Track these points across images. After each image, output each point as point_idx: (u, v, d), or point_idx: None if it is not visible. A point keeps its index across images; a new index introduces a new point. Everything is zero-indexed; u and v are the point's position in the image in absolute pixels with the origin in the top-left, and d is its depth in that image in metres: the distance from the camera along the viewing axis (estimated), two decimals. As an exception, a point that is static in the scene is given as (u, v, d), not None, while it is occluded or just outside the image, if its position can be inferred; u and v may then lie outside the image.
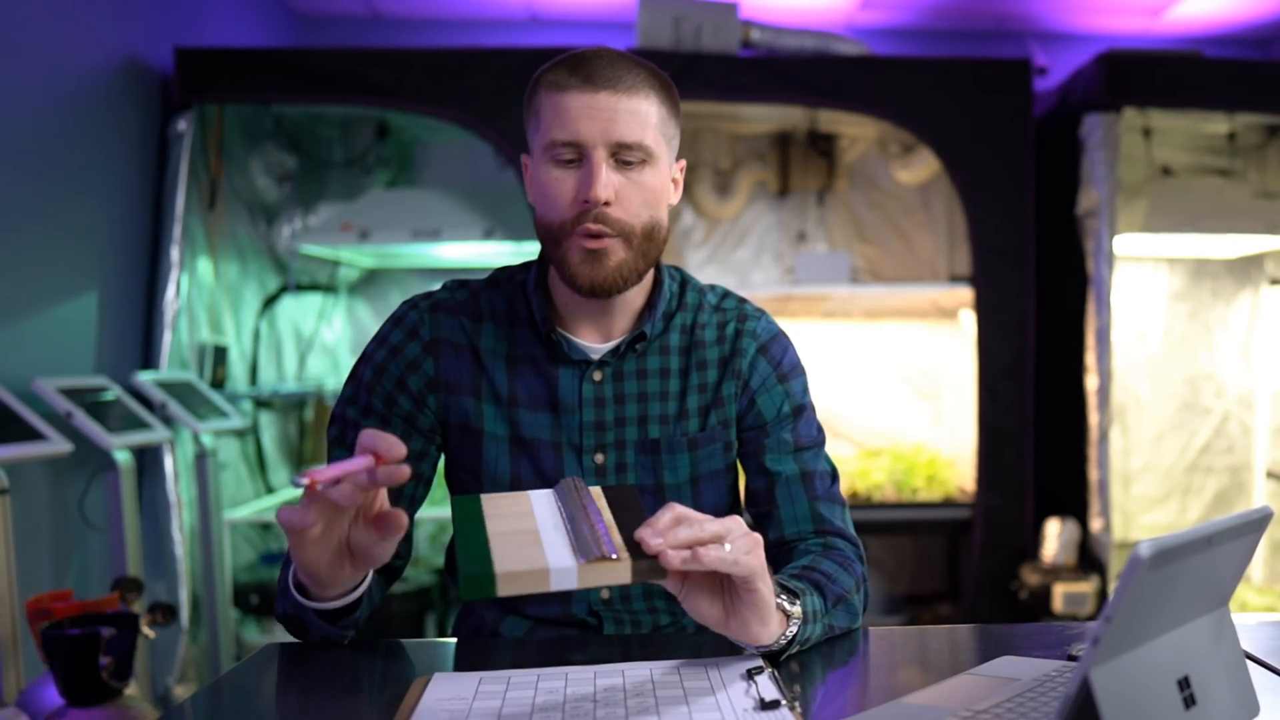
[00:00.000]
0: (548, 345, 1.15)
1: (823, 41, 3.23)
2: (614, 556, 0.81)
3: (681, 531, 0.83)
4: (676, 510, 0.85)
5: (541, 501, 0.90)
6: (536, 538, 0.84)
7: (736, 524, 0.87)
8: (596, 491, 0.92)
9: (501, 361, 1.15)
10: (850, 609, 1.06)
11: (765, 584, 0.89)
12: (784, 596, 0.95)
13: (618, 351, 1.15)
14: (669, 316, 1.19)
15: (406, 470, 0.83)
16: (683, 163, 1.19)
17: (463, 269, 3.62)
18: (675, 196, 1.17)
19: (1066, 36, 4.13)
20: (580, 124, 1.05)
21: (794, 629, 0.94)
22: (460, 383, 1.14)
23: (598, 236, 1.06)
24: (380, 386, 1.14)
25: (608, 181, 1.05)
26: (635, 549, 0.82)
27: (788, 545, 1.15)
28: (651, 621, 1.17)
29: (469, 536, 0.84)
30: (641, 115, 1.06)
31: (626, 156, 1.06)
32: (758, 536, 0.89)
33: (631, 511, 0.88)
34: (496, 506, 0.88)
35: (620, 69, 1.06)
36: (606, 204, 1.05)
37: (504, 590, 0.79)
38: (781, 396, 1.18)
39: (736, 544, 0.86)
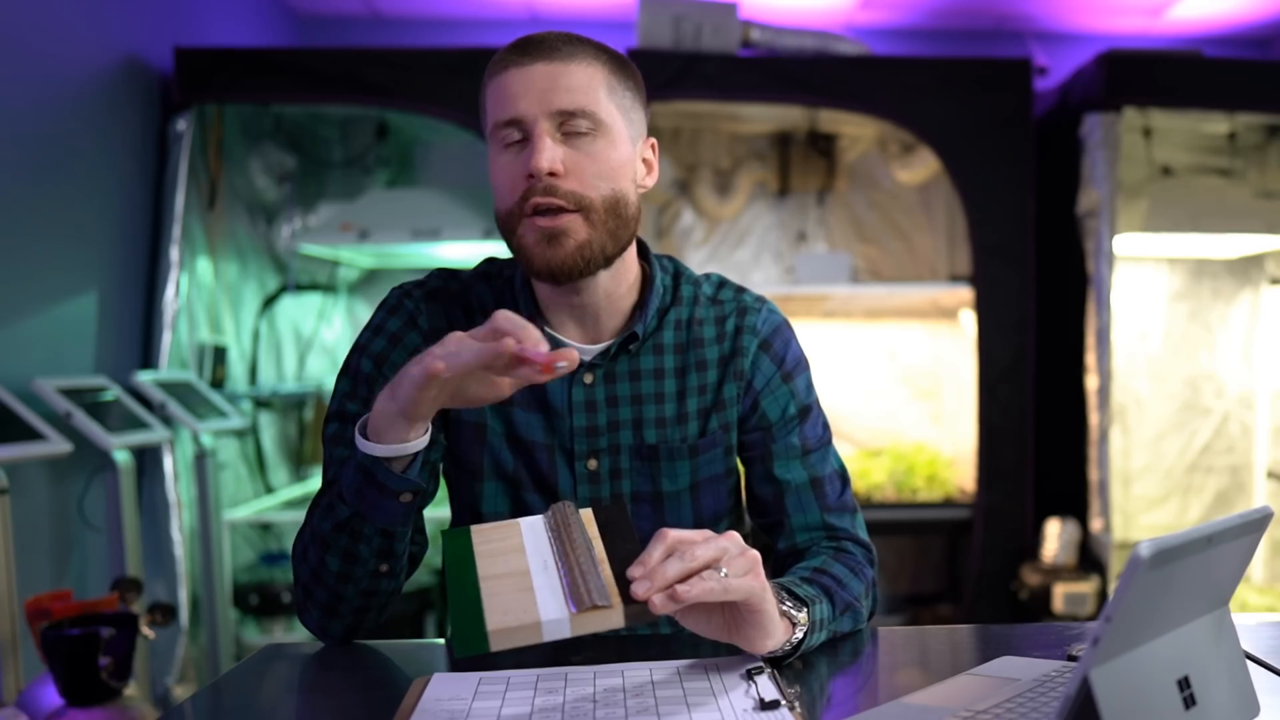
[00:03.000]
0: None
1: (823, 41, 3.23)
2: (605, 605, 0.80)
3: (670, 568, 0.81)
4: (668, 540, 0.82)
5: (531, 534, 0.89)
6: (528, 581, 0.83)
7: (733, 542, 0.85)
8: (587, 516, 0.90)
9: None
10: (856, 615, 1.05)
11: (767, 602, 0.87)
12: (790, 603, 0.93)
13: (609, 353, 1.09)
14: (662, 312, 1.12)
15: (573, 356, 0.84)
16: (652, 141, 1.10)
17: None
18: (650, 178, 1.10)
19: (1066, 36, 4.13)
20: (519, 100, 0.99)
21: (800, 635, 0.93)
22: None
23: (551, 213, 0.99)
24: (383, 376, 1.08)
25: (552, 154, 0.98)
26: (628, 589, 0.81)
27: (798, 552, 1.13)
28: (652, 633, 1.16)
29: (460, 582, 0.83)
30: (584, 81, 1.00)
31: (573, 126, 0.99)
32: (755, 554, 0.86)
33: (623, 537, 0.87)
34: (487, 541, 0.87)
35: (559, 41, 1.01)
36: (553, 175, 0.98)
37: (497, 646, 0.78)
38: (787, 397, 1.14)
39: (733, 565, 0.84)
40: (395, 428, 0.91)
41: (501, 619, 0.79)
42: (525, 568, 0.84)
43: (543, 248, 1.00)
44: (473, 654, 0.78)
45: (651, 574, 0.80)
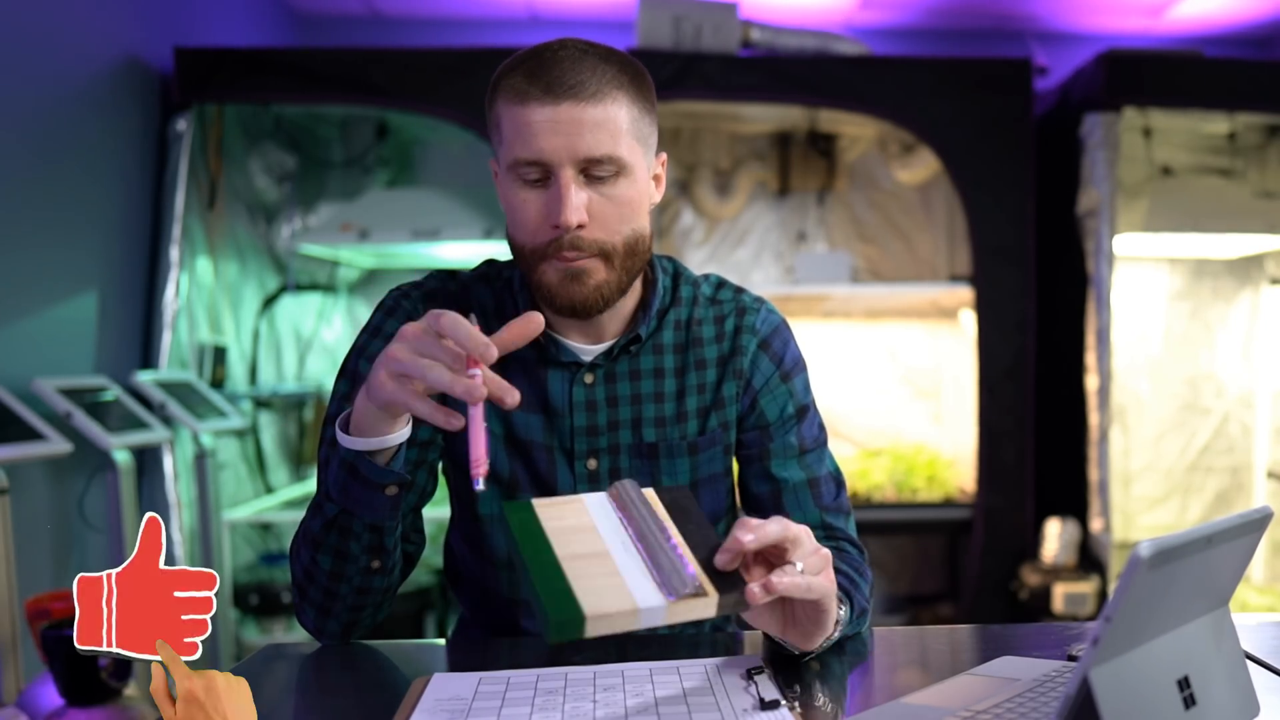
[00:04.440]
0: (536, 346, 1.09)
1: (823, 41, 3.23)
2: (702, 594, 0.79)
3: (772, 527, 0.83)
4: (753, 533, 0.82)
5: (599, 512, 0.86)
6: (612, 564, 0.81)
7: (807, 537, 0.85)
8: (651, 496, 0.88)
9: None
10: (864, 618, 1.06)
11: (833, 602, 0.88)
12: None
13: (610, 354, 1.10)
14: (662, 313, 1.13)
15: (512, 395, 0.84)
16: (663, 157, 1.10)
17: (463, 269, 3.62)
18: (658, 194, 1.09)
19: (1067, 36, 4.13)
20: (543, 141, 0.97)
21: (838, 633, 0.95)
22: None
23: (573, 259, 1.01)
24: None
25: (578, 204, 0.98)
26: (715, 576, 0.81)
27: None
28: (651, 633, 1.16)
29: (537, 561, 0.79)
30: (611, 124, 0.98)
31: (597, 172, 0.99)
32: (827, 553, 0.87)
33: (694, 521, 0.86)
34: (555, 517, 0.84)
35: (583, 72, 0.98)
36: (580, 227, 0.99)
37: (593, 632, 0.76)
38: (785, 397, 1.14)
39: (809, 563, 0.84)
40: (379, 424, 0.92)
41: (597, 604, 0.76)
42: (604, 549, 0.82)
43: (565, 284, 1.01)
44: (567, 639, 0.76)
45: (740, 552, 0.82)
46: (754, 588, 0.81)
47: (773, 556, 0.85)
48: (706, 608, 0.80)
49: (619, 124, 0.99)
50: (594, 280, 1.01)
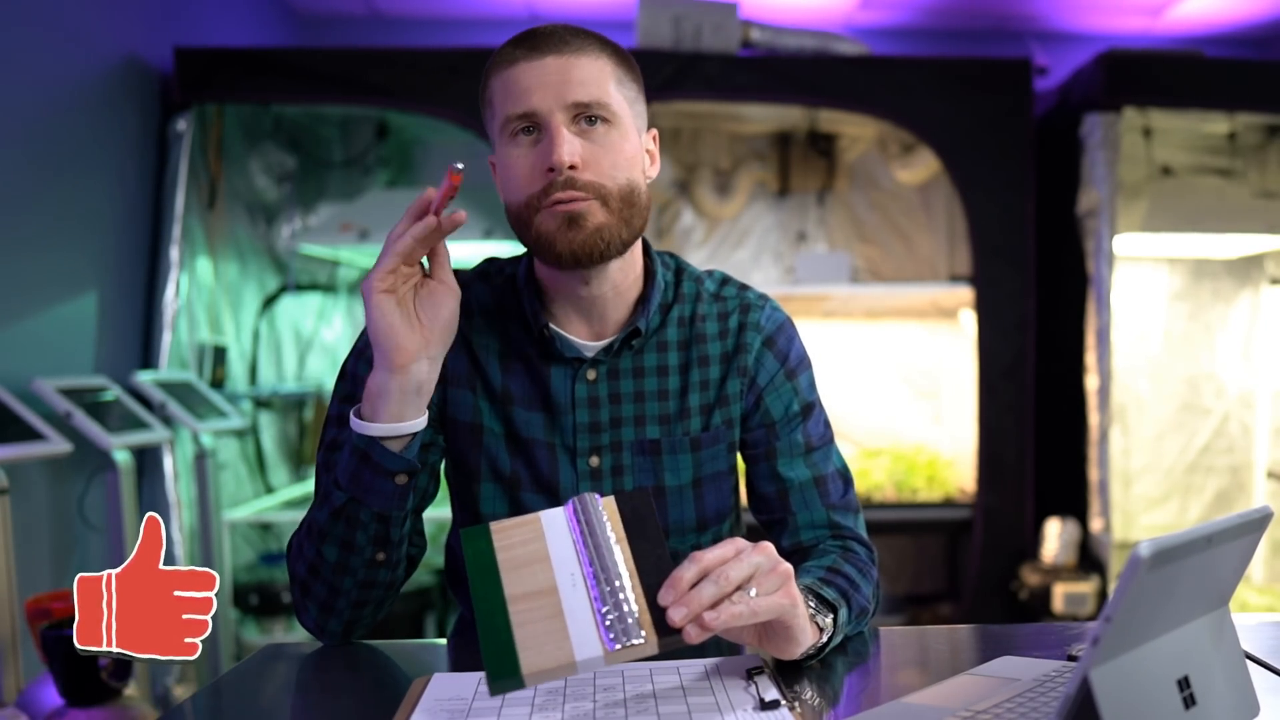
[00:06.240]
0: (539, 342, 1.09)
1: (823, 41, 3.23)
2: (639, 642, 0.79)
3: (705, 592, 0.79)
4: (701, 563, 0.81)
5: (555, 535, 0.85)
6: (557, 603, 0.81)
7: (766, 555, 0.83)
8: (610, 508, 0.87)
9: (494, 357, 1.11)
10: (866, 618, 1.06)
11: (798, 617, 0.87)
12: (816, 605, 0.93)
13: (612, 349, 1.09)
14: (665, 309, 1.12)
15: (463, 215, 0.94)
16: (654, 132, 1.11)
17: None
18: (653, 169, 1.09)
19: (1067, 36, 4.13)
20: (532, 94, 0.99)
21: (825, 639, 0.93)
22: (458, 375, 1.10)
23: (570, 201, 1.00)
24: None
25: (572, 146, 0.98)
26: (658, 613, 0.80)
27: (804, 549, 1.12)
28: None
29: (486, 601, 0.81)
30: (595, 74, 1.01)
31: (587, 119, 1.00)
32: (787, 569, 0.85)
33: (649, 539, 0.85)
34: (510, 546, 0.84)
35: (566, 34, 1.02)
36: (573, 168, 0.98)
37: (531, 685, 0.78)
38: (790, 394, 1.14)
39: (763, 583, 0.82)
40: (386, 396, 0.96)
41: (535, 659, 0.78)
42: (553, 583, 0.82)
43: (564, 231, 1.00)
44: (507, 692, 0.79)
45: (686, 601, 0.79)
46: (690, 629, 0.78)
47: None
48: (646, 650, 0.80)
49: (605, 76, 1.02)
50: (593, 222, 1.00)
